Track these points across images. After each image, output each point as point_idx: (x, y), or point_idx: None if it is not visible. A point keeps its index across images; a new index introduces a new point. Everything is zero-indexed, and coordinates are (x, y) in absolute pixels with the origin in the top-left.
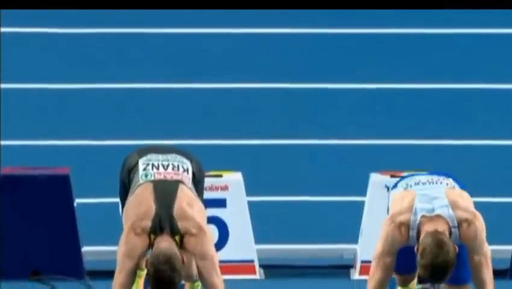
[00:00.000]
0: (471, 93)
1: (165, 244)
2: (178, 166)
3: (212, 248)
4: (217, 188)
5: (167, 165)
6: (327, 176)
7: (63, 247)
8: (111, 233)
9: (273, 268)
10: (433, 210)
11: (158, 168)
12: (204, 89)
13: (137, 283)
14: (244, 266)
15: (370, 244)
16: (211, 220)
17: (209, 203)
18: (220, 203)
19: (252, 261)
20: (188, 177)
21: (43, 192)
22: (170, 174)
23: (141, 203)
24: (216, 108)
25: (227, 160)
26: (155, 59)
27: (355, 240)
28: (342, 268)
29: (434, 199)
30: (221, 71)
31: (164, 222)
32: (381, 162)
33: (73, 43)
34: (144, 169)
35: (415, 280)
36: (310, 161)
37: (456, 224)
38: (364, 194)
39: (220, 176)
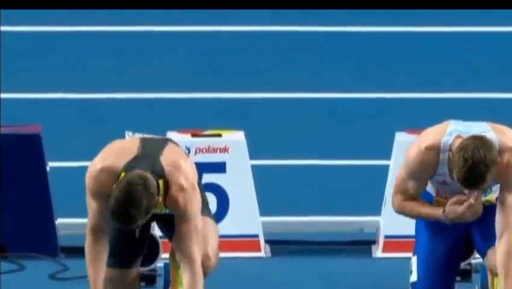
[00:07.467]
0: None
1: (139, 170)
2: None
3: (200, 215)
4: (215, 150)
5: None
6: (345, 135)
7: (34, 219)
8: None
9: (280, 245)
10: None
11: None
12: (197, 33)
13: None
14: (248, 242)
15: (396, 216)
16: (208, 187)
17: (206, 168)
18: (219, 167)
19: (257, 236)
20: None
21: (10, 154)
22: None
23: (119, 147)
24: (215, 57)
25: (227, 117)
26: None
27: (377, 211)
28: (362, 245)
29: (473, 126)
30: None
31: (145, 162)
32: (408, 119)
33: None
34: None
35: None
36: (325, 118)
37: (497, 149)
38: (388, 156)
39: (219, 135)
